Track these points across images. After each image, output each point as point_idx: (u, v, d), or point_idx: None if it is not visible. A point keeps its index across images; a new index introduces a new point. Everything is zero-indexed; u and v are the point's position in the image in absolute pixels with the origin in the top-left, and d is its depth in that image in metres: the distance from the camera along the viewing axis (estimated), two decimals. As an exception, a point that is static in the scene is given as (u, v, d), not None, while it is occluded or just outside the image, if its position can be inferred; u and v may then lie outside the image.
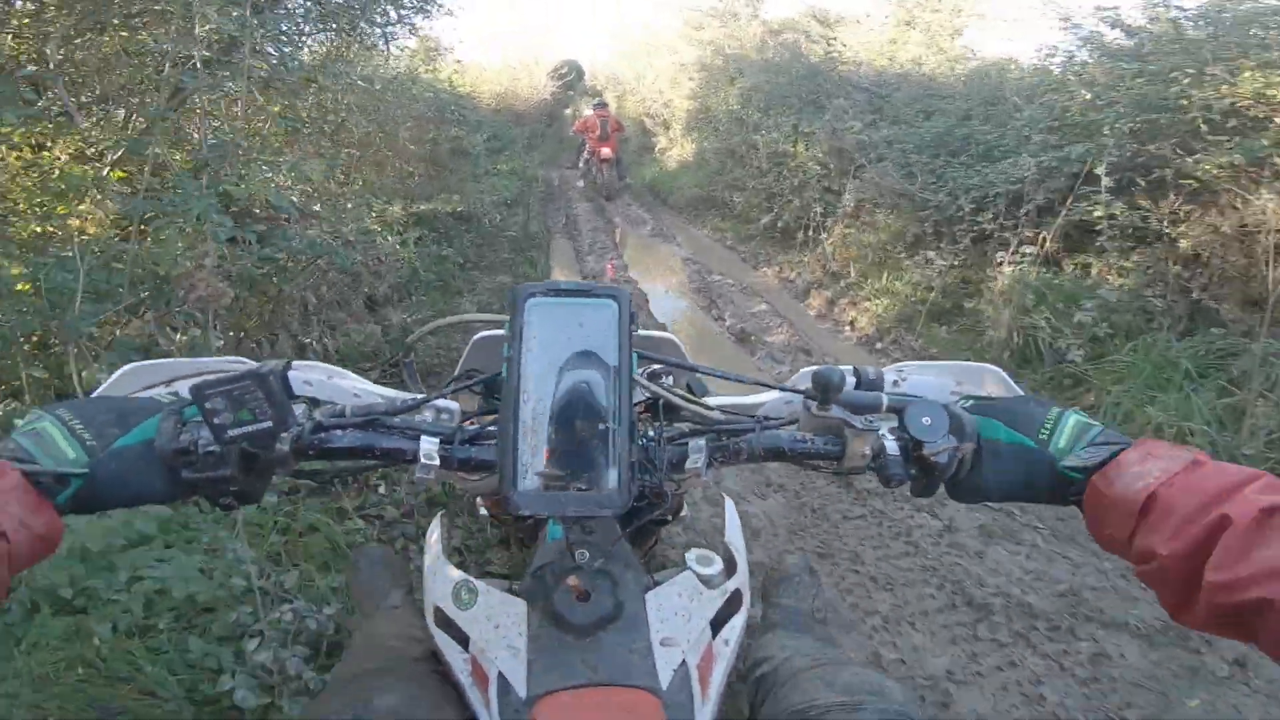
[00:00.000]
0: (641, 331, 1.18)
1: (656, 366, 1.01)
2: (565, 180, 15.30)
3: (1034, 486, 0.76)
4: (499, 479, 0.74)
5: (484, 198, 9.33)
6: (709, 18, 15.00)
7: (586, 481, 0.74)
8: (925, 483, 0.80)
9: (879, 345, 5.46)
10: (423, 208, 6.31)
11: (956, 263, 5.27)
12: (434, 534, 1.07)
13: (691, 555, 0.91)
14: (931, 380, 0.96)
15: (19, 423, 0.71)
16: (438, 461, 0.79)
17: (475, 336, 1.27)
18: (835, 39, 9.16)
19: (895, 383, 0.95)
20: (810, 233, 7.56)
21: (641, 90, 18.37)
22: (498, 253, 7.57)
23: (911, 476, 0.80)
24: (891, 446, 0.80)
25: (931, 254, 5.41)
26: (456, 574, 0.91)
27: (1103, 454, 0.70)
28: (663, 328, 5.54)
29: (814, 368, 0.86)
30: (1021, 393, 0.90)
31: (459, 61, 18.45)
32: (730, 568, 0.94)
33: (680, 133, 14.21)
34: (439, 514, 1.21)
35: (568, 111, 22.37)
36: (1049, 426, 0.75)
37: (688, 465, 0.83)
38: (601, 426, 0.74)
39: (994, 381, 0.95)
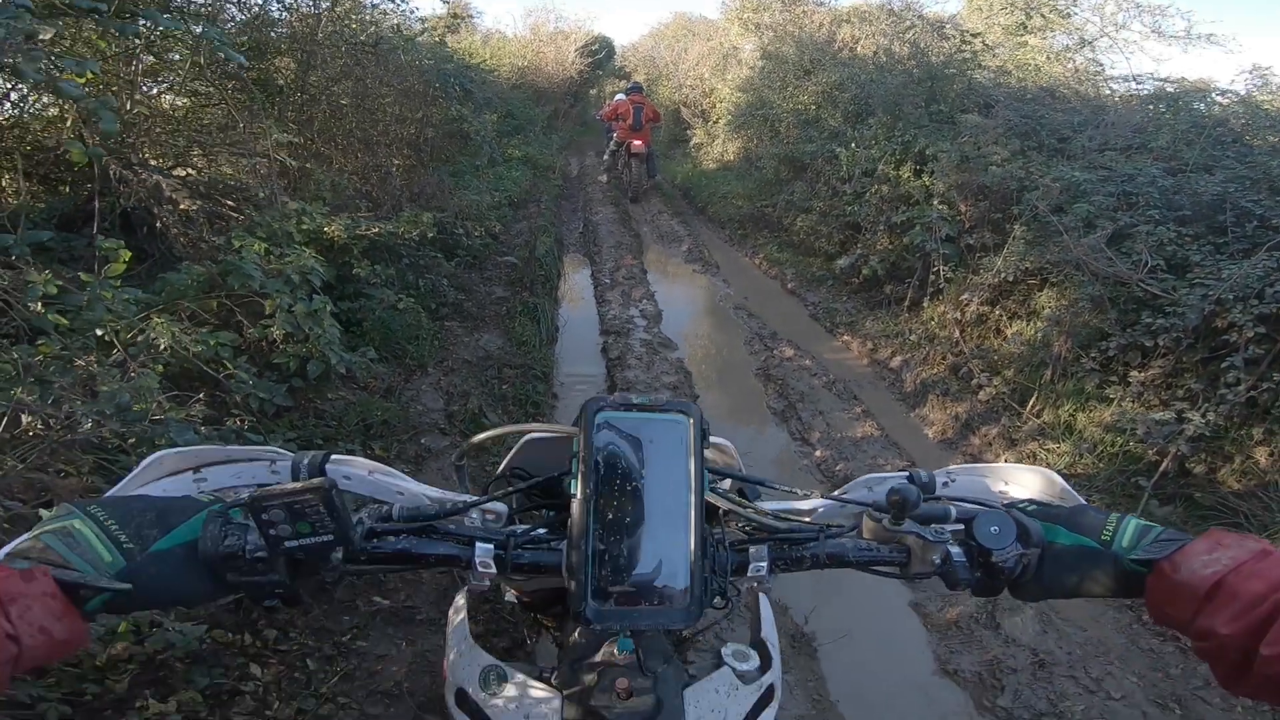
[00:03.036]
0: None
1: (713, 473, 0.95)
2: (585, 172, 13.17)
3: (1096, 583, 0.77)
4: (570, 595, 0.74)
5: (483, 198, 7.30)
6: (771, -1, 12.88)
7: (658, 596, 0.74)
8: (989, 584, 0.80)
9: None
10: (375, 230, 4.23)
11: (1216, 419, 3.22)
12: (459, 612, 1.05)
13: (728, 650, 0.93)
14: (981, 482, 0.99)
15: (45, 514, 0.70)
16: (494, 569, 0.79)
17: (525, 436, 1.20)
18: (976, 37, 6.96)
19: (945, 484, 0.99)
20: (918, 293, 5.51)
21: (679, 75, 16.16)
22: (490, 287, 5.52)
23: (976, 580, 0.80)
24: (957, 553, 0.81)
25: (1182, 405, 3.35)
26: (485, 658, 0.91)
27: (1169, 547, 0.71)
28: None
29: (875, 478, 0.96)
30: (1077, 494, 0.91)
31: (499, 34, 16.84)
32: (765, 663, 0.95)
33: (724, 129, 12.00)
34: (463, 589, 1.12)
35: (593, 92, 20.31)
36: (1111, 528, 0.76)
37: (750, 572, 0.83)
38: (673, 543, 0.75)
39: (1046, 482, 0.95)
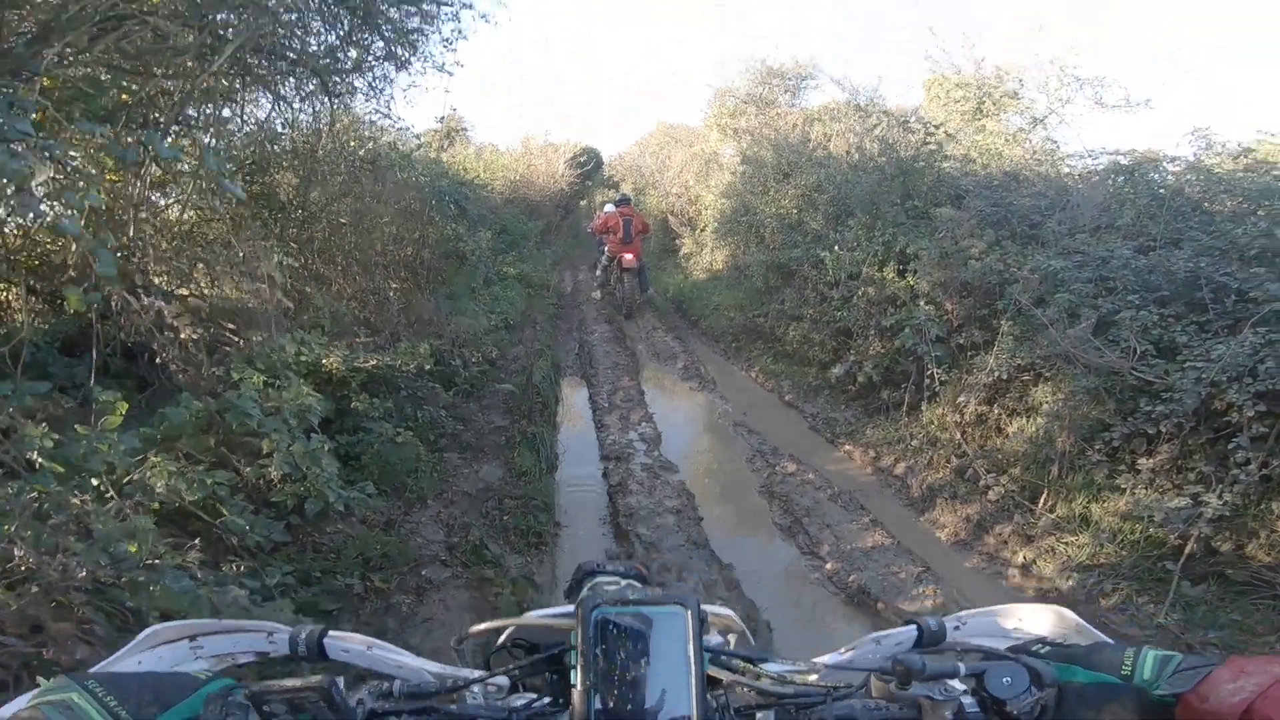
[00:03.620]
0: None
1: (718, 640, 1.02)
2: (579, 288, 13.47)
3: (1119, 717, 0.76)
4: None
5: (479, 321, 7.44)
6: (745, 104, 13.48)
7: None
8: None
9: (1086, 608, 3.30)
10: (373, 362, 4.28)
11: (1233, 498, 3.16)
12: None
13: None
14: (993, 623, 0.98)
15: (43, 682, 0.69)
16: None
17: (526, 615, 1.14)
18: (939, 128, 7.28)
19: (956, 628, 0.97)
20: (915, 397, 5.52)
21: (664, 183, 16.66)
22: (488, 416, 5.52)
23: None
24: (970, 704, 0.79)
25: (1196, 489, 3.30)
26: None
27: (1194, 678, 0.72)
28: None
29: (882, 634, 0.95)
30: (1094, 630, 0.91)
31: (492, 147, 17.52)
32: None
33: (711, 237, 12.31)
34: None
35: (583, 203, 21.03)
36: (1129, 662, 0.77)
37: None
38: None
39: (1060, 620, 0.94)
